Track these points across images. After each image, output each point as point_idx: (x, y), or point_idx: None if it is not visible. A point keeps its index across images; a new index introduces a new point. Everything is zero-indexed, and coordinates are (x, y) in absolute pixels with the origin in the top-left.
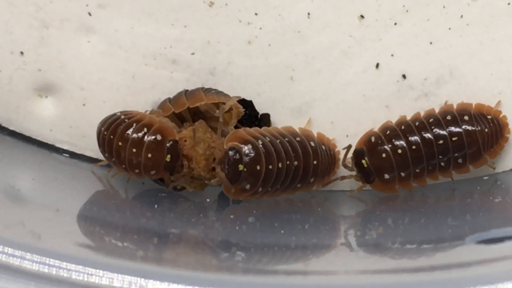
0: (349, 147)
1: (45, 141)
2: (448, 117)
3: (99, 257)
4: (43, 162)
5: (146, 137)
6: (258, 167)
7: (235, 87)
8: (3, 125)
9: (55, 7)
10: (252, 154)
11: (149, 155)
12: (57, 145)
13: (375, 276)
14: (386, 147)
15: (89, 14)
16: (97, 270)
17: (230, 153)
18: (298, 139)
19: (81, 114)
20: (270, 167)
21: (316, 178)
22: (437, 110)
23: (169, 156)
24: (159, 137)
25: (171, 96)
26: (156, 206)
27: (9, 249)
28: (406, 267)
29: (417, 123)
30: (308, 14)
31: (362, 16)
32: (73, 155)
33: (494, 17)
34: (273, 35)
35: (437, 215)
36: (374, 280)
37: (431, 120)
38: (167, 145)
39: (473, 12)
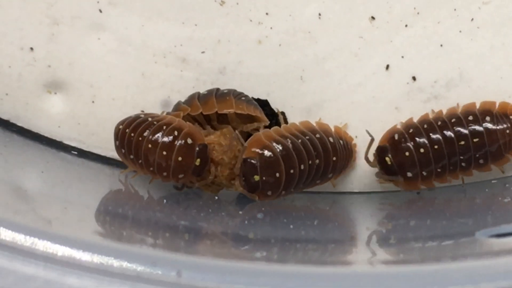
0: (372, 141)
1: (53, 138)
2: (470, 117)
3: (108, 243)
4: (50, 160)
5: (177, 140)
6: (277, 175)
7: (244, 87)
8: (11, 121)
9: (66, 4)
10: (270, 163)
11: (179, 159)
12: (65, 142)
13: (388, 266)
14: (409, 144)
15: (100, 11)
16: (108, 257)
17: (245, 165)
18: (317, 135)
19: (90, 112)
20: (292, 171)
21: (335, 173)
22: (459, 110)
23: (198, 160)
24: (189, 141)
25: (200, 92)
26: (165, 201)
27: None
28: (414, 259)
29: (439, 123)
30: (319, 14)
31: (373, 18)
32: (81, 152)
33: (505, 20)
34: (284, 35)
35: (447, 215)
36: (386, 270)
37: (453, 120)
38: (197, 149)
39: (484, 15)
